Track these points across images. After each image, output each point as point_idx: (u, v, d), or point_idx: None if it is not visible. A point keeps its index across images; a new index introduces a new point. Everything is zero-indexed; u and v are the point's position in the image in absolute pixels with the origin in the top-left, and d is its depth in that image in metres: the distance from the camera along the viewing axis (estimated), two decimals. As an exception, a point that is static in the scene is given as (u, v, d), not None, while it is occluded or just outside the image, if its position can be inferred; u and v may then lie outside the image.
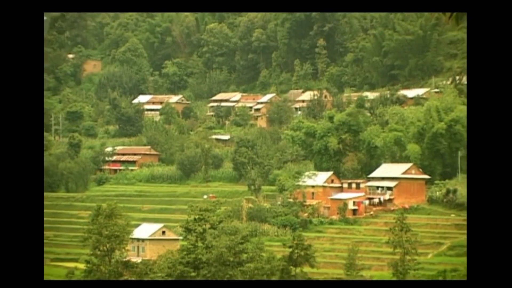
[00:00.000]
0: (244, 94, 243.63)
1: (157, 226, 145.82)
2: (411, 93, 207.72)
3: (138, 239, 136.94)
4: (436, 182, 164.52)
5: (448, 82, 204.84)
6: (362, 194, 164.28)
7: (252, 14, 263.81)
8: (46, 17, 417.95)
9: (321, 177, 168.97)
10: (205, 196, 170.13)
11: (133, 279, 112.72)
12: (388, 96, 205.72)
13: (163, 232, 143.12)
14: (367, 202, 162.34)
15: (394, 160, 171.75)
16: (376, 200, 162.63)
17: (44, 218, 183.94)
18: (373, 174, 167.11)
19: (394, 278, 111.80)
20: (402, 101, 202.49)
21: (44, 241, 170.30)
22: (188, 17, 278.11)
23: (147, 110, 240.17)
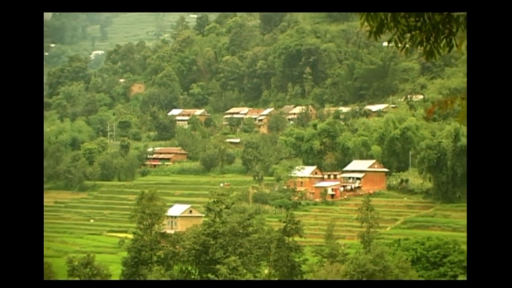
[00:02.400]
0: (250, 109, 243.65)
1: (186, 206, 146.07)
2: (374, 108, 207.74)
3: (171, 216, 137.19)
4: (393, 174, 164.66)
5: (402, 100, 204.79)
6: (338, 183, 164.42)
7: (256, 49, 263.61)
8: (104, 51, 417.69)
9: (308, 170, 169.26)
10: (221, 184, 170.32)
11: (167, 246, 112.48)
12: (357, 110, 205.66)
13: (190, 211, 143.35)
14: (342, 189, 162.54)
15: (361, 157, 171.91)
16: (349, 187, 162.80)
17: (102, 201, 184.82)
18: (346, 168, 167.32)
19: (362, 246, 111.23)
20: (367, 114, 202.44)
21: (102, 217, 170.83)
22: (209, 52, 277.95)
23: (178, 120, 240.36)
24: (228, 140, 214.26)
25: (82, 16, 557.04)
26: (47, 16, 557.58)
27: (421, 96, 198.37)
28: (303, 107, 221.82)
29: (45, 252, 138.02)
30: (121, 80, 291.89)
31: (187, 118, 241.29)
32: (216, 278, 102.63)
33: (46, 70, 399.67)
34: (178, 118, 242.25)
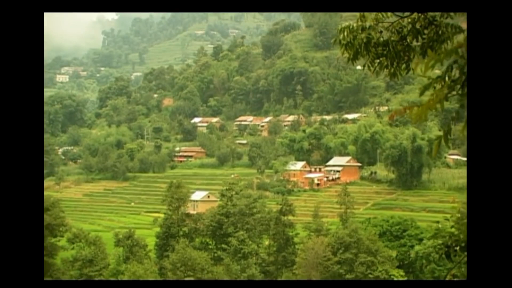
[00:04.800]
0: (254, 117, 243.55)
1: (205, 192, 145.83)
2: (350, 116, 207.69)
3: (194, 200, 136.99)
4: (365, 167, 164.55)
5: (371, 110, 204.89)
6: (322, 174, 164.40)
7: (259, 71, 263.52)
8: (141, 73, 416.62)
9: (299, 165, 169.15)
10: (232, 175, 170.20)
11: (191, 223, 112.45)
12: (337, 118, 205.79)
13: (208, 196, 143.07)
14: (325, 179, 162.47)
15: (340, 155, 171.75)
16: (330, 178, 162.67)
17: (140, 188, 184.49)
18: (329, 163, 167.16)
19: (341, 223, 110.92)
20: (345, 121, 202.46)
21: (140, 201, 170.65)
22: (223, 73, 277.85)
23: (199, 126, 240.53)
24: (237, 141, 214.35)
25: (125, 46, 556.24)
26: (98, 46, 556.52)
27: (386, 108, 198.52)
28: (295, 116, 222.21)
29: (96, 227, 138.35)
30: (155, 95, 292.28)
31: (206, 124, 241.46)
32: (229, 248, 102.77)
33: (97, 87, 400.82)
34: (199, 124, 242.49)
